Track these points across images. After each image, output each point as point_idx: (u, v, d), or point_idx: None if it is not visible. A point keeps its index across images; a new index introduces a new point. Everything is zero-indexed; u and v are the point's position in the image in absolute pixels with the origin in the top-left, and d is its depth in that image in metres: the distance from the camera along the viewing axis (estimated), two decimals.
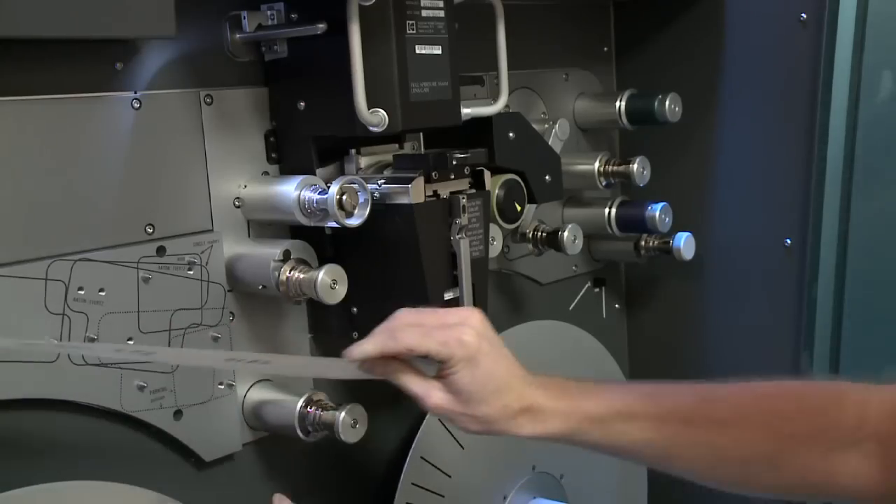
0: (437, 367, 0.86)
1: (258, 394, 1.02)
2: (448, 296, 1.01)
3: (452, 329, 0.86)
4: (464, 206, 1.01)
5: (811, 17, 1.25)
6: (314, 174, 0.99)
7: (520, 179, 1.15)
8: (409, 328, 0.86)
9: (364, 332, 1.02)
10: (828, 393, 0.86)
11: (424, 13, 0.97)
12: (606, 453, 0.91)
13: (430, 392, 0.86)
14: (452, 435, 1.16)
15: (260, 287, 0.97)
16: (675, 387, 0.89)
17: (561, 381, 0.90)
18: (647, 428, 0.86)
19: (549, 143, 1.23)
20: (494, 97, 1.11)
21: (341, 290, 0.95)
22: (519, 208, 1.15)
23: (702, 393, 0.89)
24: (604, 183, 1.29)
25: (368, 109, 0.93)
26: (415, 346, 0.85)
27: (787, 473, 0.84)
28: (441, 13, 0.99)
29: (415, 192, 0.97)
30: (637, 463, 0.92)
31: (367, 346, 0.86)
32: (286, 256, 0.96)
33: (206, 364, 0.98)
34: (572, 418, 0.87)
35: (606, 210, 1.33)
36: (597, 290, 1.46)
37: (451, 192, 1.01)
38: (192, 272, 0.96)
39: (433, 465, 1.15)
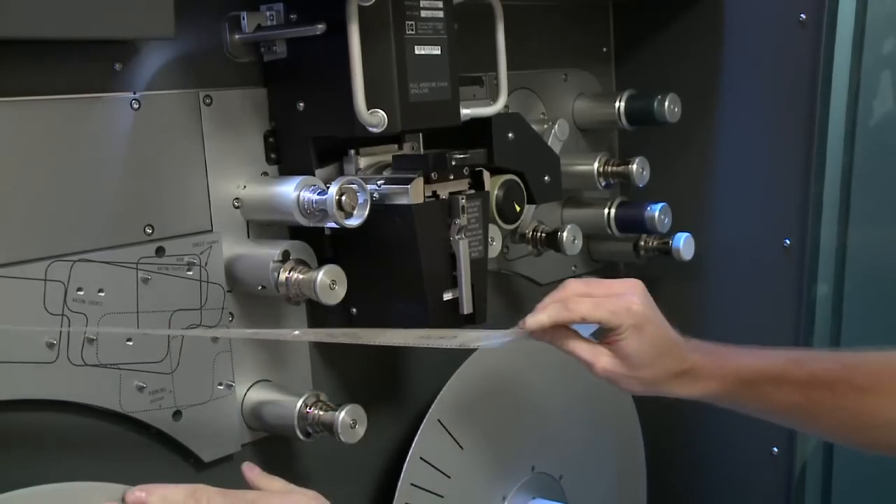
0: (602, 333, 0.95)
1: (257, 394, 1.02)
2: (447, 296, 1.01)
3: (621, 298, 0.93)
4: (463, 206, 1.01)
5: (810, 17, 1.25)
6: (313, 175, 0.99)
7: (519, 180, 1.15)
8: (580, 299, 0.94)
9: None
10: None
11: (424, 14, 0.97)
12: (755, 414, 0.99)
13: (598, 357, 0.94)
14: (451, 436, 1.16)
15: (259, 288, 0.97)
16: (819, 354, 0.99)
17: (713, 345, 0.97)
18: (794, 392, 0.94)
19: (549, 143, 1.23)
20: (494, 98, 1.11)
21: (340, 291, 0.95)
22: (518, 209, 1.15)
23: (844, 360, 0.96)
24: (603, 183, 1.29)
25: (368, 110, 0.93)
26: (587, 315, 0.93)
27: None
28: (440, 14, 0.99)
29: (414, 193, 0.97)
30: (784, 424, 1.03)
31: (543, 317, 0.94)
32: (285, 257, 0.96)
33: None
34: (727, 380, 0.95)
35: (606, 210, 1.33)
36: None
37: (451, 193, 1.01)
38: (191, 273, 0.96)
39: (432, 465, 1.14)
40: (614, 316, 0.93)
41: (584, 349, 0.95)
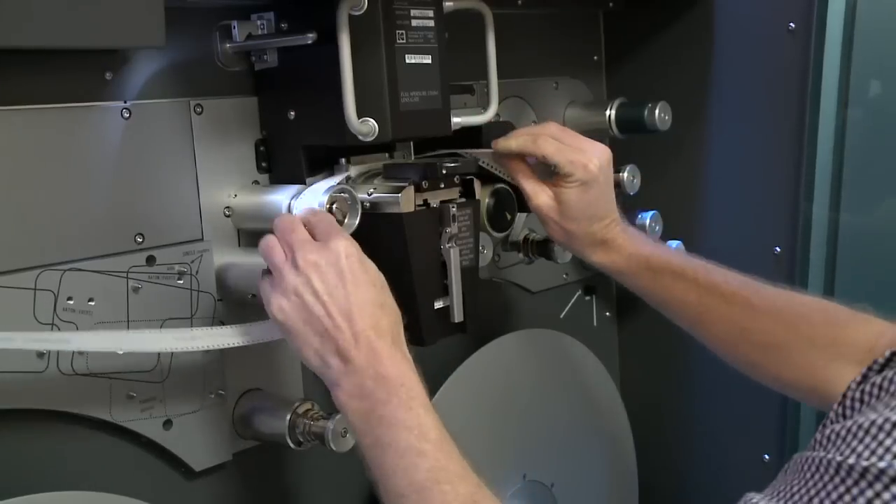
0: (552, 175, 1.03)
1: (248, 403, 1.02)
2: (438, 305, 1.01)
3: (583, 153, 1.02)
4: (454, 214, 1.01)
5: (800, 25, 1.26)
6: (304, 183, 0.99)
7: (510, 188, 1.15)
8: (549, 139, 1.02)
9: None
10: (856, 317, 0.96)
11: (414, 22, 0.97)
12: (652, 301, 1.06)
13: (538, 194, 1.04)
14: None
15: (250, 296, 0.96)
16: (729, 272, 1.02)
17: (640, 232, 1.08)
18: (690, 290, 1.02)
19: None
20: (484, 106, 1.11)
21: None
22: (509, 217, 1.16)
23: (749, 283, 1.02)
24: None
25: (358, 119, 0.93)
26: (548, 155, 1.02)
27: (793, 368, 0.97)
28: (431, 23, 0.99)
29: (405, 202, 0.97)
30: (672, 319, 1.07)
31: (511, 143, 1.04)
32: None
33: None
34: (634, 260, 1.04)
35: None
36: (587, 298, 1.46)
37: (441, 201, 1.01)
38: (181, 282, 0.95)
39: None
40: (570, 165, 1.01)
41: (530, 183, 1.05)
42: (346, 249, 0.83)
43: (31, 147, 0.86)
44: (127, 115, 0.92)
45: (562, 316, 1.41)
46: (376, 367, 0.80)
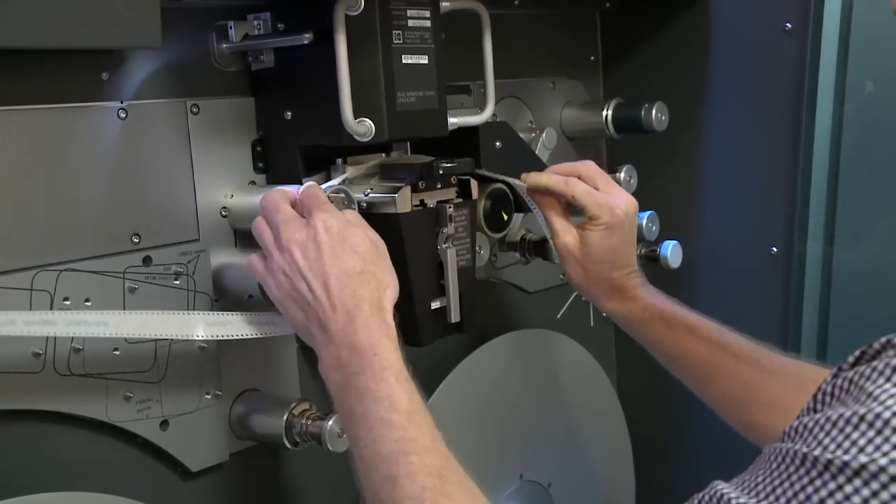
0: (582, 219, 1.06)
1: (245, 404, 1.02)
2: (435, 305, 1.01)
3: (611, 198, 1.05)
4: (450, 215, 1.01)
5: (796, 26, 1.26)
6: (301, 183, 0.99)
7: (507, 188, 1.15)
8: (579, 182, 1.06)
9: None
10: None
11: (411, 23, 0.97)
12: (659, 353, 1.08)
13: (565, 233, 1.07)
14: None
15: (247, 297, 0.96)
16: (742, 336, 1.04)
17: (654, 288, 1.09)
18: (702, 345, 1.03)
19: (536, 151, 1.24)
20: (481, 106, 1.11)
21: None
22: (506, 217, 1.16)
23: (760, 348, 1.03)
24: None
25: (355, 119, 0.93)
26: (578, 196, 1.05)
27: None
28: (427, 23, 0.99)
29: (401, 202, 0.97)
30: (679, 375, 1.08)
31: (544, 179, 1.07)
32: None
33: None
34: (649, 311, 1.06)
35: None
36: (584, 298, 1.45)
37: (438, 202, 1.01)
38: (178, 282, 0.95)
39: None
40: (598, 208, 1.04)
41: (559, 221, 1.07)
42: (324, 223, 0.84)
43: (27, 147, 0.86)
44: (123, 115, 0.92)
45: (558, 316, 1.41)
46: (351, 336, 0.81)
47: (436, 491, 0.74)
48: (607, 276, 1.06)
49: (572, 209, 1.08)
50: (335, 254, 0.83)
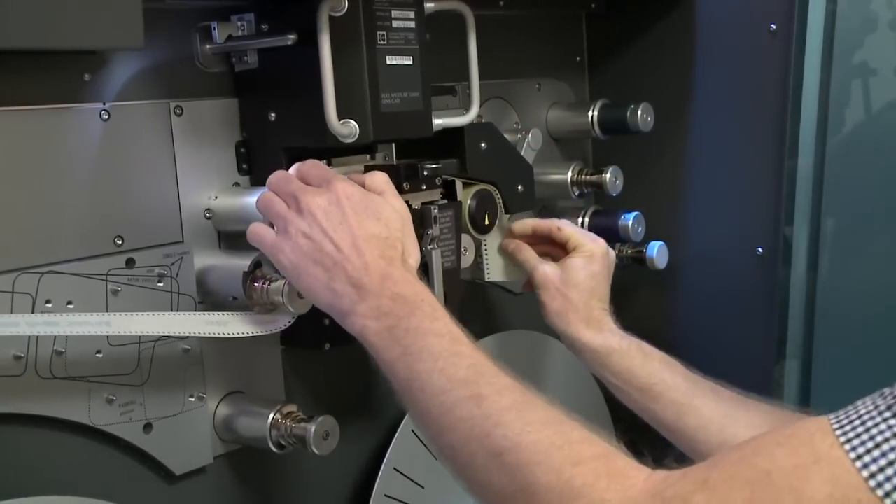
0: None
1: (229, 406, 1.01)
2: None
3: (592, 235, 1.13)
4: (435, 216, 1.01)
5: (781, 27, 1.26)
6: None
7: (492, 190, 1.15)
8: (563, 220, 1.15)
9: (336, 343, 1.02)
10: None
11: (395, 24, 0.97)
12: (633, 384, 1.05)
13: (543, 263, 1.11)
14: (425, 446, 1.15)
15: (231, 299, 0.96)
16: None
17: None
18: (679, 375, 1.04)
19: (522, 152, 1.23)
20: (466, 107, 1.11)
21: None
22: (491, 219, 1.15)
23: (736, 393, 1.02)
24: (577, 192, 1.30)
25: (339, 120, 0.93)
26: (563, 226, 1.13)
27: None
28: (412, 24, 0.99)
29: None
30: (654, 409, 1.06)
31: (530, 223, 1.16)
32: (257, 268, 0.95)
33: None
34: (626, 341, 1.06)
35: (580, 220, 1.34)
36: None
37: (423, 203, 1.01)
38: (161, 284, 0.95)
39: (406, 476, 1.14)
40: (582, 235, 1.12)
41: (534, 256, 1.13)
42: (344, 190, 0.86)
43: (8, 149, 0.85)
44: (106, 116, 0.91)
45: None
46: (391, 288, 0.82)
47: (526, 403, 0.76)
48: (586, 303, 1.08)
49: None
50: (359, 218, 0.85)
